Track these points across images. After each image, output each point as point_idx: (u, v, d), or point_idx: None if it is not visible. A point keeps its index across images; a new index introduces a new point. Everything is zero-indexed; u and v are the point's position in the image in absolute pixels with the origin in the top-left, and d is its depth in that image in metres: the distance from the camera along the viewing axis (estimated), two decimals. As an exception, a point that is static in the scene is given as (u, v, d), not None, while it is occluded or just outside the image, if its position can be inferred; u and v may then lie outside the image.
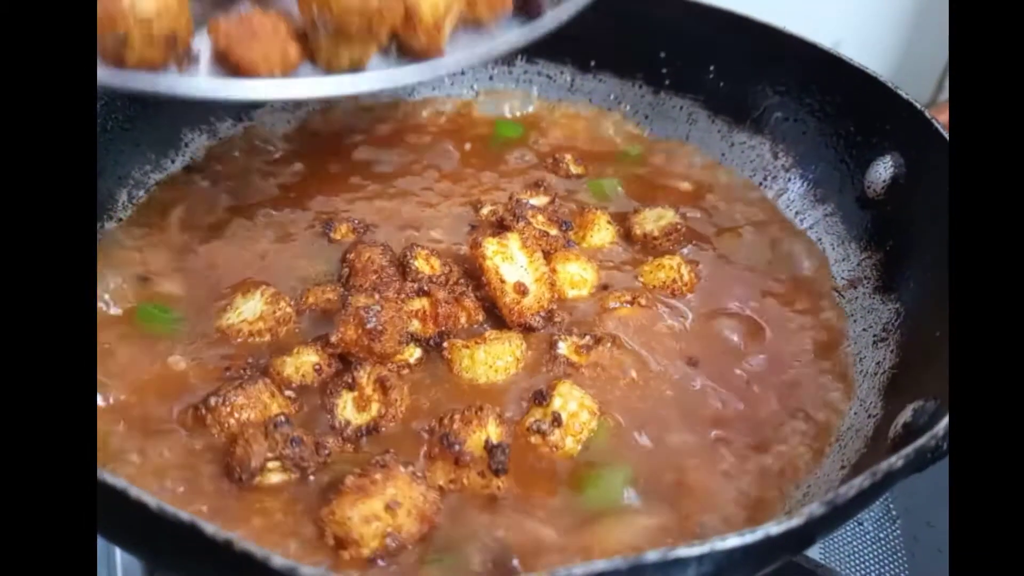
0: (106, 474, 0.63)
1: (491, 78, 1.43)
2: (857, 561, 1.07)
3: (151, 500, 0.61)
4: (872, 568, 1.06)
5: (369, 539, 0.75)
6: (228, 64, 0.77)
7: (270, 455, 0.80)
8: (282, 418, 0.81)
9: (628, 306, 1.02)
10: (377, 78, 0.88)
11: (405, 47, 0.91)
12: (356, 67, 0.87)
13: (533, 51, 1.41)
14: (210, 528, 0.59)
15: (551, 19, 0.89)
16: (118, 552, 1.06)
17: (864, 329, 1.03)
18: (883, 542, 1.08)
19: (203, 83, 0.81)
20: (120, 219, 1.14)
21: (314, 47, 0.83)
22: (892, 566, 1.06)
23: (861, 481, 0.65)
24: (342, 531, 0.75)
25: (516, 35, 0.99)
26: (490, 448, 0.80)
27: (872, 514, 1.12)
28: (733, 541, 0.60)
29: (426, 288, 0.94)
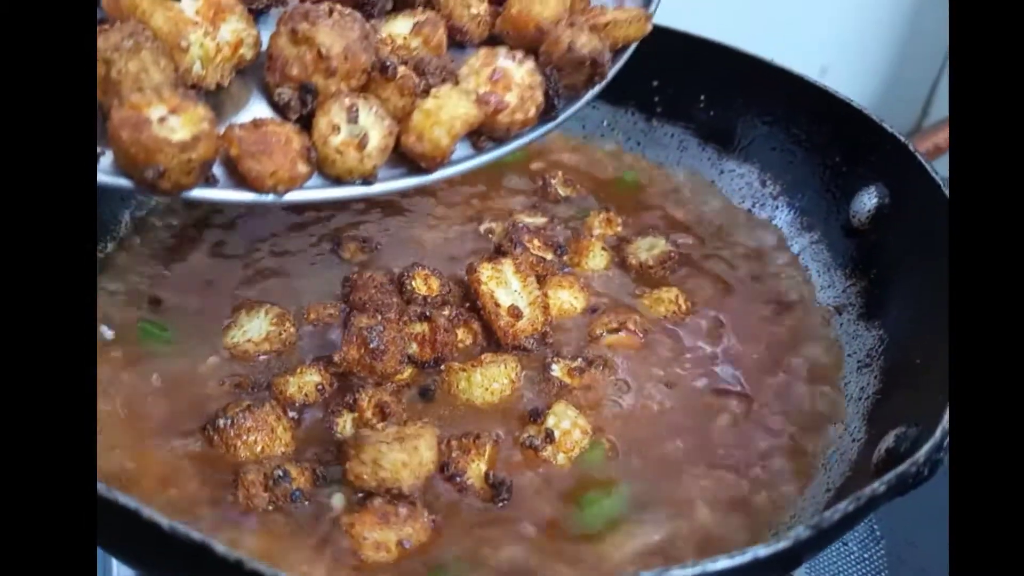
0: (117, 493, 0.65)
1: (487, 103, 1.45)
2: (841, 581, 1.10)
3: (163, 520, 0.63)
4: (856, 587, 1.09)
5: (371, 557, 0.78)
6: (235, 172, 0.75)
7: (270, 508, 0.83)
8: (281, 472, 0.83)
9: (618, 334, 1.05)
10: (382, 187, 0.85)
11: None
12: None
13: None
14: (220, 548, 0.62)
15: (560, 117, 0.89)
16: (115, 569, 1.07)
17: (849, 355, 1.07)
18: (867, 562, 1.11)
19: (218, 193, 0.79)
20: (123, 238, 1.16)
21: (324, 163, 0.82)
22: (876, 585, 1.09)
23: (846, 506, 0.68)
24: (352, 543, 0.79)
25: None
26: (494, 484, 0.84)
27: (856, 534, 1.15)
28: (723, 563, 0.63)
29: (428, 314, 0.97)
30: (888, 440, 0.85)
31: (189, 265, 1.13)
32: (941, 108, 1.85)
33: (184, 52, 0.75)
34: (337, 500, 0.84)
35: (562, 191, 1.31)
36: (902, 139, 1.09)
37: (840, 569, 1.10)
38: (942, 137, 1.68)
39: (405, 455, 0.82)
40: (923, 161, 1.05)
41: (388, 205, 1.25)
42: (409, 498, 0.82)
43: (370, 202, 1.25)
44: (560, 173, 1.33)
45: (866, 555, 1.12)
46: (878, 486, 0.70)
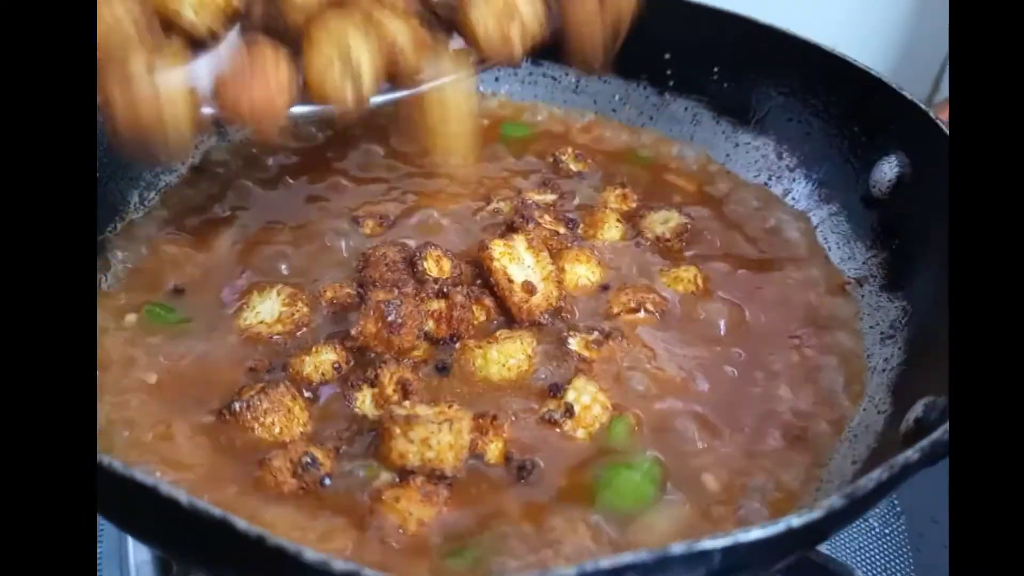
0: (136, 471, 0.64)
1: (496, 79, 1.44)
2: (863, 557, 1.08)
3: (182, 496, 0.62)
4: (878, 563, 1.08)
5: (412, 531, 0.79)
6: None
7: (300, 492, 0.82)
8: (309, 459, 0.82)
9: (636, 314, 1.03)
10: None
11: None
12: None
13: (538, 53, 1.41)
14: (241, 524, 0.60)
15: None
16: (131, 552, 1.06)
17: (871, 327, 1.05)
18: (888, 538, 1.10)
19: None
20: (131, 220, 1.14)
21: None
22: (897, 562, 1.08)
23: (879, 474, 0.66)
24: (397, 518, 0.79)
25: None
26: (517, 465, 0.83)
27: (878, 511, 1.14)
28: (756, 533, 0.61)
29: (446, 291, 0.96)
30: (917, 409, 0.83)
31: (201, 245, 1.12)
32: (953, 82, 1.83)
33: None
34: (384, 477, 0.83)
35: (574, 166, 1.30)
36: (923, 107, 1.07)
37: (861, 544, 1.09)
38: (953, 112, 1.66)
39: (452, 437, 0.82)
40: (944, 128, 1.03)
41: (404, 180, 1.24)
42: (449, 479, 0.82)
43: (385, 180, 1.24)
44: (570, 149, 1.32)
45: (887, 531, 1.11)
46: (911, 454, 0.68)
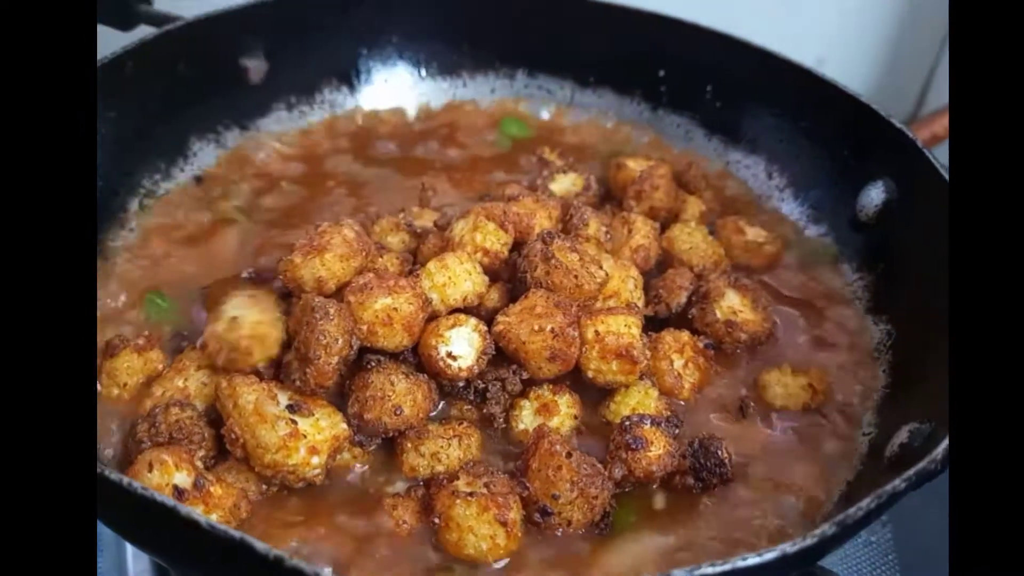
0: (154, 492, 0.66)
1: (492, 90, 1.45)
2: (850, 563, 1.12)
3: (201, 518, 0.64)
4: (865, 570, 1.11)
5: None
6: None
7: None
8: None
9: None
10: None
11: None
12: None
13: (534, 65, 1.44)
14: (261, 546, 0.62)
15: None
16: (129, 558, 1.08)
17: (856, 348, 1.08)
18: (875, 546, 1.13)
19: None
20: (132, 228, 1.15)
21: None
22: (884, 568, 1.11)
23: (868, 503, 0.70)
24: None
25: None
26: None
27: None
28: (752, 560, 0.65)
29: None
30: (901, 435, 0.87)
31: (201, 252, 1.13)
32: (938, 96, 1.87)
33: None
34: (398, 486, 0.87)
35: (559, 164, 1.30)
36: (910, 135, 1.10)
37: (848, 552, 1.11)
38: (940, 125, 1.69)
39: (461, 452, 0.87)
40: (931, 157, 1.06)
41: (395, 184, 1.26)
42: None
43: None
44: (552, 152, 1.34)
45: (873, 539, 1.14)
46: (899, 483, 0.71)
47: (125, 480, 0.66)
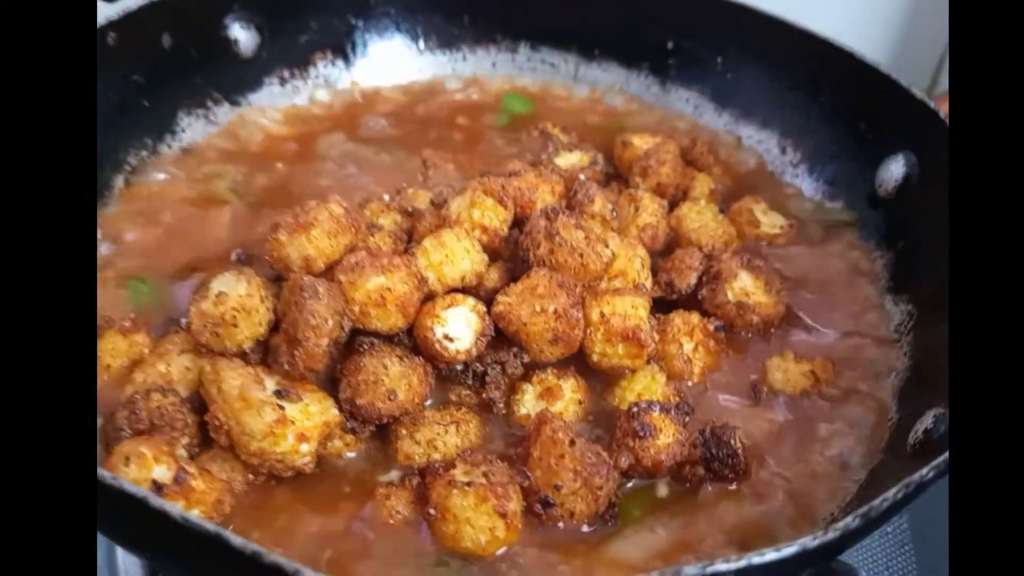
0: (126, 483, 0.61)
1: (494, 64, 1.40)
2: (866, 554, 1.07)
3: (174, 511, 0.59)
4: (880, 561, 1.07)
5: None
6: None
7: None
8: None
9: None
10: None
11: None
12: None
13: (537, 38, 1.39)
14: (237, 540, 0.58)
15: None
16: (120, 554, 1.04)
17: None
18: (891, 536, 1.09)
19: None
20: (117, 205, 1.10)
21: None
22: (900, 560, 1.07)
23: (894, 493, 0.65)
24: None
25: None
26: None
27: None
28: (770, 555, 0.60)
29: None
30: (926, 421, 0.82)
31: (188, 231, 1.09)
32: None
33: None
34: (393, 475, 0.83)
35: (564, 139, 1.25)
36: (932, 106, 1.05)
37: (865, 543, 1.07)
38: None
39: (459, 439, 0.83)
40: (955, 128, 1.01)
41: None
42: None
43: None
44: (555, 129, 1.28)
45: (888, 529, 1.09)
46: (927, 472, 0.67)
47: (97, 472, 0.62)
